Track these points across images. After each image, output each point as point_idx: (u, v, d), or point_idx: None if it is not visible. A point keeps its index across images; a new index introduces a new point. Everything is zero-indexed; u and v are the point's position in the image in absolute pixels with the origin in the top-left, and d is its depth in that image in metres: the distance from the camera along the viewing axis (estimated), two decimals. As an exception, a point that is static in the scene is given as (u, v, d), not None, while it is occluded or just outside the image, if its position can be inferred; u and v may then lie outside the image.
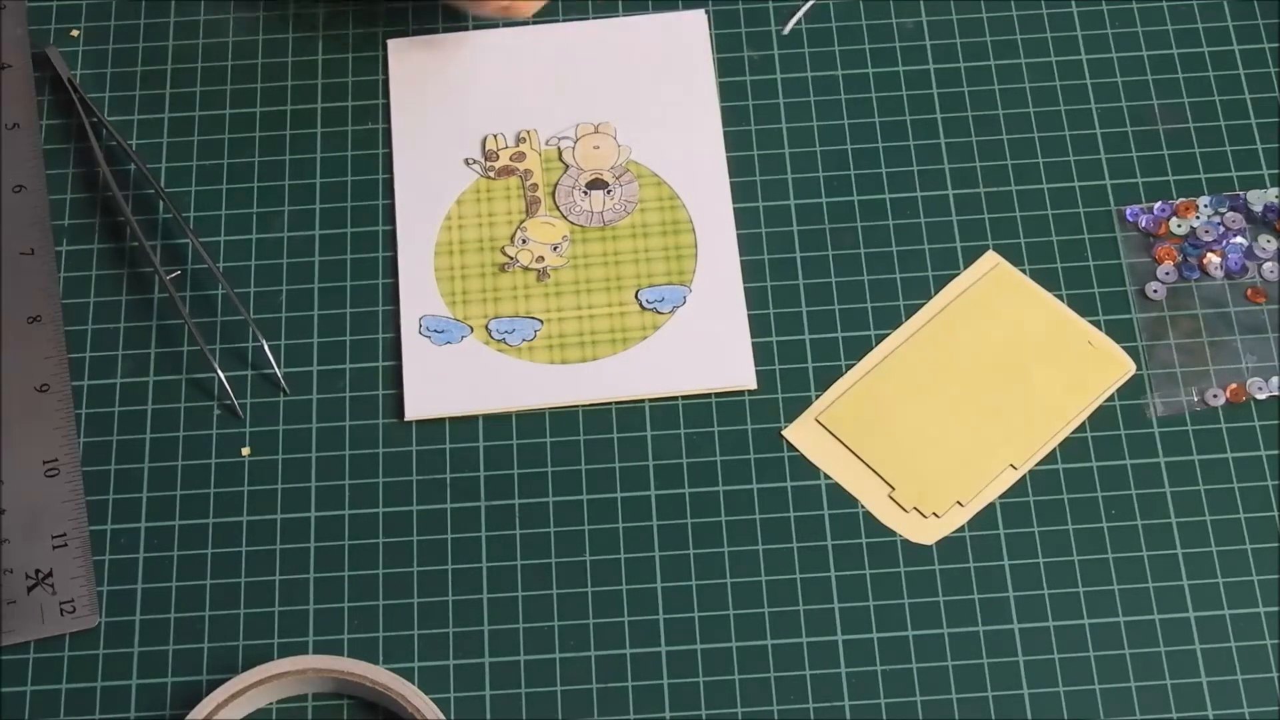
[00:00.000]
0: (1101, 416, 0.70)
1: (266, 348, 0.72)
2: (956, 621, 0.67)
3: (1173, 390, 0.71)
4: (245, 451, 0.70)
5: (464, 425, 0.71)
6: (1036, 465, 0.69)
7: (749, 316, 0.73)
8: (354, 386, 0.71)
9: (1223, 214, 0.74)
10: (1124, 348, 0.72)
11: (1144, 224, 0.74)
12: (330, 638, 0.67)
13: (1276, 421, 0.70)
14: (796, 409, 0.71)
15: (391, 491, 0.69)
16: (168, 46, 0.79)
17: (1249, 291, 0.73)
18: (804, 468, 0.70)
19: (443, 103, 0.77)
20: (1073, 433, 0.70)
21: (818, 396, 0.71)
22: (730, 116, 0.77)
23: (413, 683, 0.65)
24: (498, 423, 0.71)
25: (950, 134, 0.76)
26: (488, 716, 0.66)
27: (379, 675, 0.65)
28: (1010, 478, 0.69)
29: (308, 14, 0.80)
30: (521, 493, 0.69)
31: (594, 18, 0.79)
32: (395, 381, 0.72)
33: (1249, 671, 0.66)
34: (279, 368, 0.72)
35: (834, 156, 0.76)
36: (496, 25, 0.79)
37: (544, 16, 0.79)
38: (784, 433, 0.70)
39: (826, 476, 0.69)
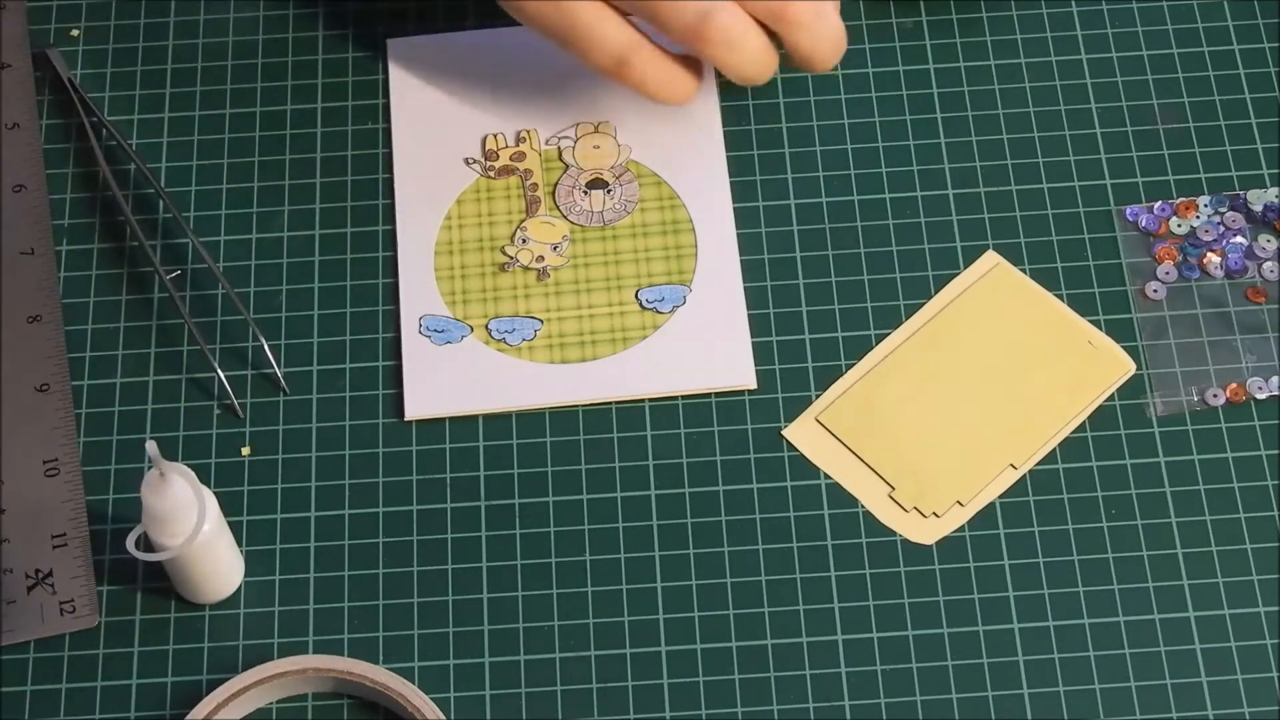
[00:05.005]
0: (1101, 416, 0.70)
1: (266, 347, 0.72)
2: (956, 621, 0.67)
3: (1173, 390, 0.71)
4: (245, 451, 0.70)
5: (464, 425, 0.71)
6: (1036, 465, 0.69)
7: (749, 316, 0.73)
8: (354, 386, 0.71)
9: (1223, 214, 0.74)
10: (1124, 348, 0.72)
11: (1144, 224, 0.74)
12: (330, 638, 0.67)
13: (1276, 421, 0.70)
14: (796, 409, 0.71)
15: (391, 491, 0.69)
16: (168, 46, 0.79)
17: (1249, 291, 0.73)
18: (804, 467, 0.70)
19: (443, 102, 0.78)
20: (1073, 433, 0.70)
21: (818, 396, 0.71)
22: (730, 116, 0.77)
23: (413, 683, 0.65)
24: (498, 422, 0.71)
25: (950, 134, 0.76)
26: (488, 716, 0.66)
27: (379, 675, 0.65)
28: (1010, 478, 0.69)
29: (308, 14, 0.80)
30: (521, 492, 0.69)
31: (594, 18, 0.79)
32: (395, 381, 0.72)
33: (1249, 671, 0.66)
34: (279, 368, 0.72)
35: (834, 156, 0.76)
36: (496, 25, 0.79)
37: (544, 16, 0.79)
38: (784, 432, 0.70)
39: (826, 476, 0.70)
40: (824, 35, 0.71)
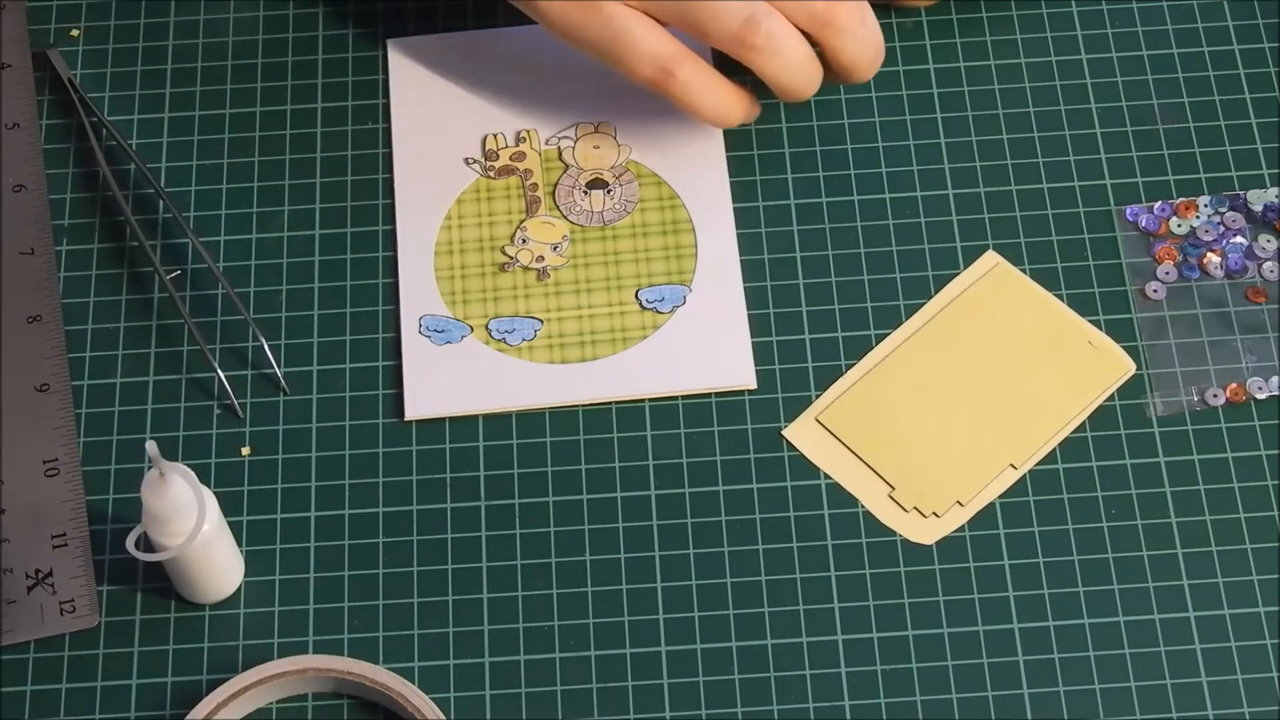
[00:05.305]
0: (1101, 416, 0.70)
1: (266, 348, 0.72)
2: (956, 621, 0.67)
3: (1173, 390, 0.71)
4: (245, 451, 0.70)
5: (464, 425, 0.71)
6: (1036, 465, 0.69)
7: (749, 316, 0.73)
8: (354, 386, 0.71)
9: (1223, 214, 0.74)
10: (1124, 348, 0.72)
11: (1144, 224, 0.74)
12: (330, 638, 0.67)
13: (1276, 421, 0.70)
14: (796, 409, 0.71)
15: (391, 491, 0.69)
16: (168, 46, 0.79)
17: (1249, 291, 0.73)
18: (804, 467, 0.70)
19: (443, 103, 0.78)
20: (1073, 433, 0.70)
21: (818, 396, 0.71)
22: (730, 116, 0.77)
23: (413, 683, 0.65)
24: (498, 422, 0.71)
25: (950, 134, 0.76)
26: (488, 716, 0.66)
27: (379, 675, 0.65)
28: (1010, 478, 0.69)
29: (308, 14, 0.80)
30: (521, 492, 0.69)
31: (594, 18, 0.79)
32: (395, 381, 0.72)
33: (1249, 671, 0.66)
34: (279, 368, 0.72)
35: (834, 156, 0.76)
36: (496, 25, 0.79)
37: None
38: (784, 432, 0.70)
39: (826, 476, 0.69)
40: (867, 42, 0.71)
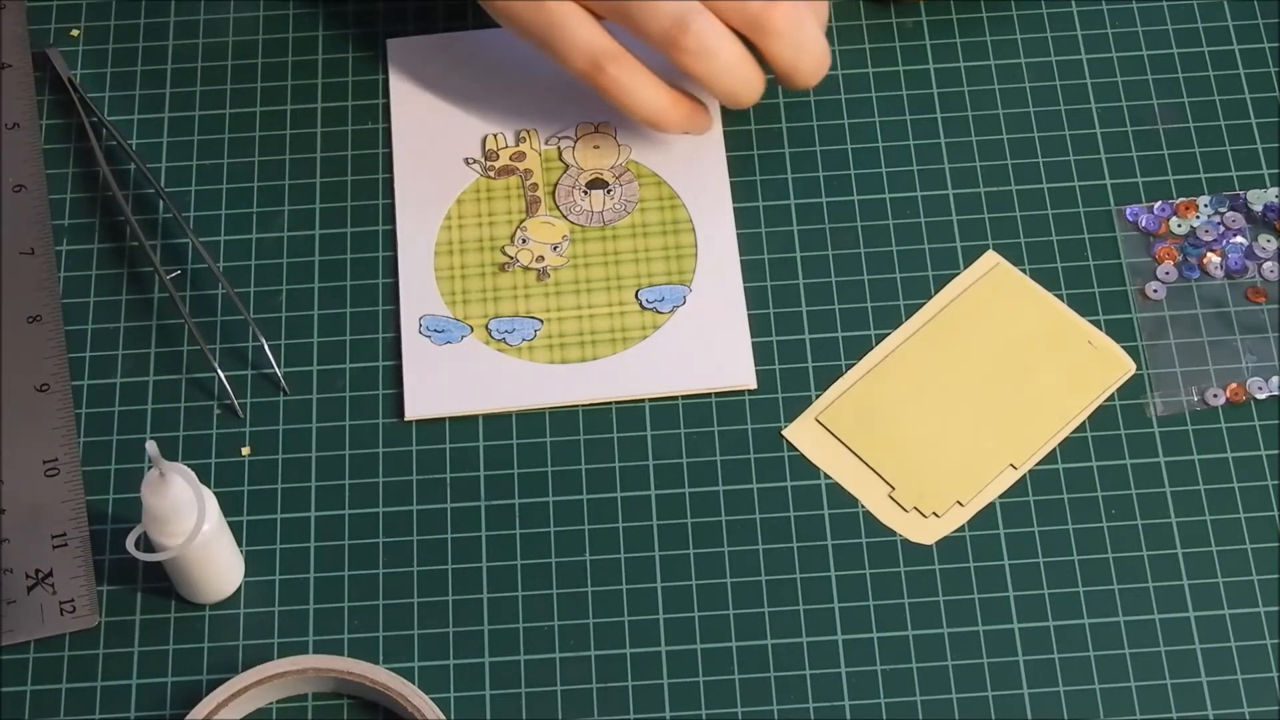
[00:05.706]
0: (1101, 416, 0.70)
1: (266, 347, 0.72)
2: (956, 621, 0.67)
3: (1173, 390, 0.71)
4: (245, 451, 0.70)
5: (464, 425, 0.71)
6: (1036, 465, 0.69)
7: (749, 316, 0.73)
8: (354, 386, 0.71)
9: (1223, 214, 0.74)
10: (1124, 348, 0.72)
11: (1144, 224, 0.74)
12: (330, 638, 0.67)
13: (1276, 421, 0.70)
14: (796, 409, 0.71)
15: (391, 491, 0.69)
16: (168, 46, 0.79)
17: (1249, 291, 0.73)
18: (804, 467, 0.70)
19: (443, 102, 0.78)
20: (1073, 433, 0.70)
21: (818, 396, 0.71)
22: (730, 117, 0.77)
23: (413, 682, 0.65)
24: (498, 422, 0.71)
25: (950, 134, 0.76)
26: (488, 716, 0.66)
27: (379, 675, 0.65)
28: (1010, 478, 0.69)
29: (308, 14, 0.80)
30: (521, 492, 0.69)
31: (594, 18, 0.79)
32: (395, 381, 0.72)
33: (1249, 671, 0.66)
34: (279, 368, 0.72)
35: (834, 156, 0.76)
36: (496, 25, 0.79)
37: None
38: (784, 432, 0.70)
39: (826, 476, 0.69)
40: (805, 47, 0.71)
